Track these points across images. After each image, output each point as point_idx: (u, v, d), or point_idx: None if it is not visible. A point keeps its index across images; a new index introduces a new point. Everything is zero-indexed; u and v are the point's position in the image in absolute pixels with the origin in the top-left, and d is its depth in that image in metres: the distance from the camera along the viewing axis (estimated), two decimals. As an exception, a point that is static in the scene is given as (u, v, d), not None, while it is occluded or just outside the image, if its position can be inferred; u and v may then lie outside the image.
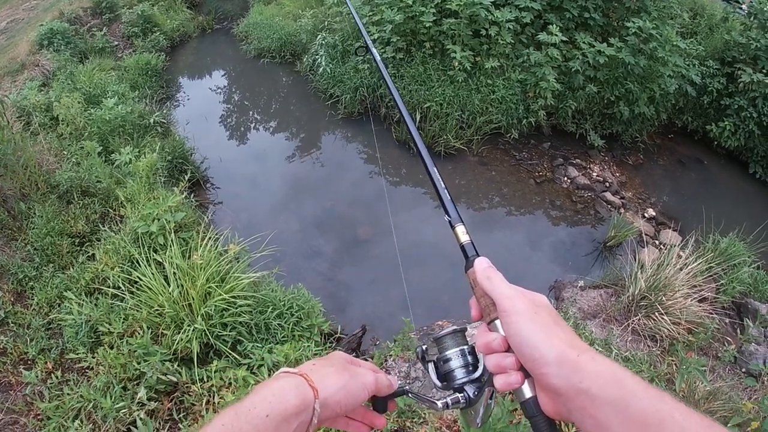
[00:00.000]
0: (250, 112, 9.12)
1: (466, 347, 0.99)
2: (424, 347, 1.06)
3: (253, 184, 7.26)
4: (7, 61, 8.90)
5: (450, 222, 1.09)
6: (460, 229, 1.06)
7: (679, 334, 4.51)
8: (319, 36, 8.83)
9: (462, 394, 0.94)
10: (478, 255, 1.00)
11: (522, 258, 6.34)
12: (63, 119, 6.58)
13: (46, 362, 4.21)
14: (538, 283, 5.68)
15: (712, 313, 4.88)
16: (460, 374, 0.96)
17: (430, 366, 1.01)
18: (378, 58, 1.88)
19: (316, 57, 8.72)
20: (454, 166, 7.52)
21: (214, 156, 7.38)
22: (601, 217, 6.85)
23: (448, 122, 7.52)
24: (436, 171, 1.19)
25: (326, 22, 9.01)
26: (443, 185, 1.15)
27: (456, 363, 0.97)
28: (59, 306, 4.58)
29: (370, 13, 7.98)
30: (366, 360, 1.40)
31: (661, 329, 4.54)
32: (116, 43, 10.32)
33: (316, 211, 6.75)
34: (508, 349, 0.85)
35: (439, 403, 0.93)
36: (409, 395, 1.03)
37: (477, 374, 0.95)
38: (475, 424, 0.95)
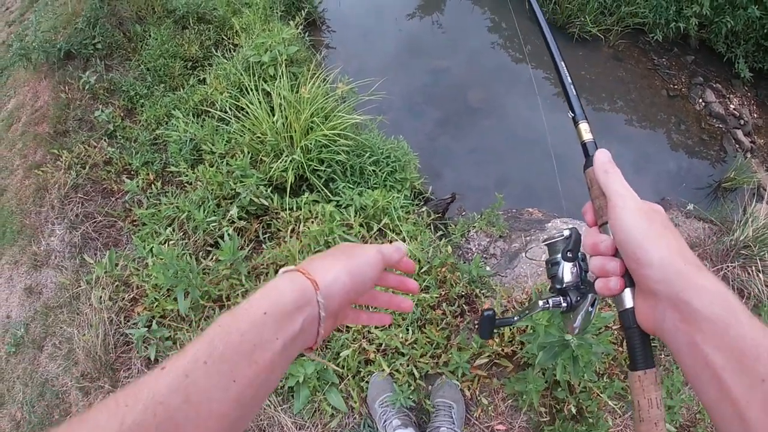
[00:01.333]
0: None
1: (579, 253, 0.94)
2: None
3: (368, 34, 6.92)
4: None
5: (574, 118, 1.02)
6: (584, 127, 0.99)
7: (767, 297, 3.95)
8: None
9: (564, 297, 0.92)
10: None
11: (634, 168, 5.76)
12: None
13: (147, 173, 4.28)
14: (646, 195, 5.10)
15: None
16: (565, 277, 0.93)
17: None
18: None
19: None
20: (585, 54, 6.79)
21: (332, -1, 7.05)
22: (725, 156, 6.05)
23: (589, 3, 6.70)
24: (564, 65, 1.09)
25: None
26: (569, 79, 1.07)
27: (562, 266, 0.94)
28: (166, 124, 4.59)
29: None
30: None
31: (752, 285, 4.00)
32: None
33: (429, 72, 6.37)
34: (615, 254, 0.81)
35: (540, 303, 0.93)
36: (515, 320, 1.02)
37: (582, 282, 0.92)
38: (573, 329, 0.93)
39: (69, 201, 4.30)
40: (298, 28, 4.97)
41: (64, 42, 5.12)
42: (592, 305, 0.90)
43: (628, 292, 0.79)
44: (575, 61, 6.66)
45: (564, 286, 0.92)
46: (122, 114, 4.81)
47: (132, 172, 4.41)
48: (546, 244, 0.98)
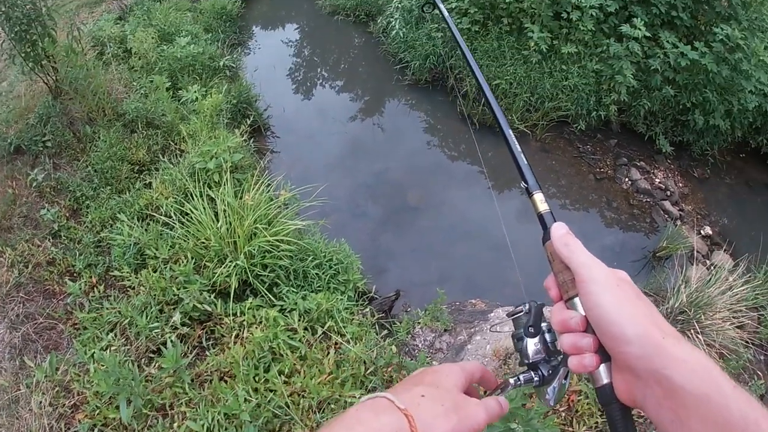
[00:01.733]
0: (318, 68, 9.12)
1: (543, 325, 0.93)
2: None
3: (311, 138, 7.29)
4: (87, -7, 9.13)
5: (527, 188, 1.01)
6: (539, 197, 0.98)
7: (711, 357, 4.30)
8: (396, -1, 8.73)
9: (536, 372, 0.90)
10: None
11: (568, 251, 6.15)
12: (136, 52, 6.73)
13: (90, 276, 4.37)
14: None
15: (748, 343, 4.65)
16: (531, 353, 0.91)
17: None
18: (446, 14, 1.76)
19: (391, 20, 8.61)
20: None
21: (277, 105, 7.44)
22: (656, 227, 6.57)
23: (515, 102, 7.34)
24: (512, 133, 1.12)
25: (405, -14, 8.88)
26: (519, 148, 1.07)
27: (526, 342, 0.93)
28: (111, 226, 4.72)
29: (450, -18, 7.80)
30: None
31: None
32: (195, -16, 10.45)
33: (370, 173, 6.74)
34: (587, 330, 0.78)
35: (511, 380, 0.90)
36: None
37: (550, 354, 0.91)
38: (547, 402, 0.90)
39: (10, 300, 4.33)
40: (243, 136, 5.28)
41: (15, 137, 5.26)
42: (566, 378, 0.88)
43: (603, 368, 0.77)
44: (506, 156, 7.14)
45: (531, 361, 0.90)
46: (68, 214, 4.92)
47: (75, 274, 4.48)
48: (511, 319, 0.96)
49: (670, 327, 0.71)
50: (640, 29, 6.85)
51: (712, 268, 5.85)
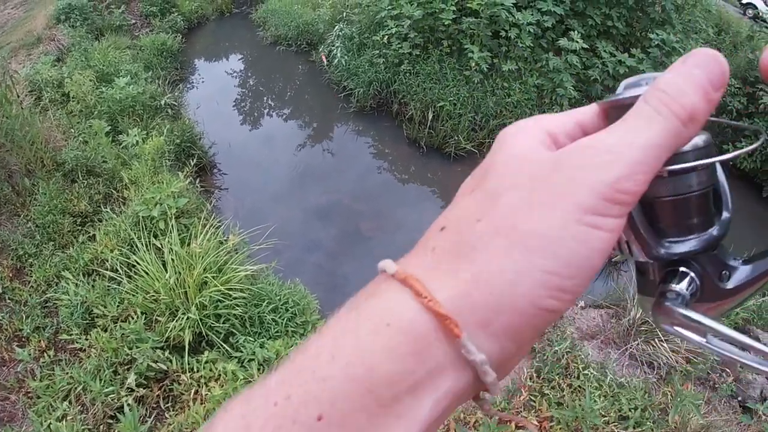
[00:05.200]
0: (264, 99, 9.10)
1: None
2: None
3: (259, 170, 7.25)
4: (24, 34, 8.91)
5: None
6: None
7: (677, 362, 4.43)
8: (337, 27, 8.78)
9: None
10: None
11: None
12: (74, 96, 6.58)
13: (39, 341, 4.23)
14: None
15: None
16: None
17: None
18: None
19: (332, 48, 8.66)
20: (463, 169, 7.44)
21: (223, 141, 7.36)
22: None
23: (460, 123, 7.44)
24: None
25: (345, 14, 8.95)
26: None
27: None
28: (56, 285, 4.58)
29: (389, 7, 7.88)
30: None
31: (659, 356, 4.45)
32: (133, 21, 10.31)
33: (320, 202, 6.73)
34: None
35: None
36: None
37: None
38: None
39: (-44, 373, 4.17)
40: (187, 178, 5.20)
41: (-52, 194, 5.08)
42: None
43: None
44: (455, 176, 7.25)
45: None
46: (11, 274, 4.75)
47: (23, 339, 4.32)
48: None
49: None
50: (577, 42, 7.05)
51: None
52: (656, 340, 4.51)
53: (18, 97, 5.83)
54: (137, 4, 10.77)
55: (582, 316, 5.11)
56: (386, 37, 7.75)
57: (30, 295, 4.53)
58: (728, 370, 4.64)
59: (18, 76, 6.30)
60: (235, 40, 11.06)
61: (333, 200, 6.80)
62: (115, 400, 3.67)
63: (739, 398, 4.41)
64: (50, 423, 3.56)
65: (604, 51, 7.34)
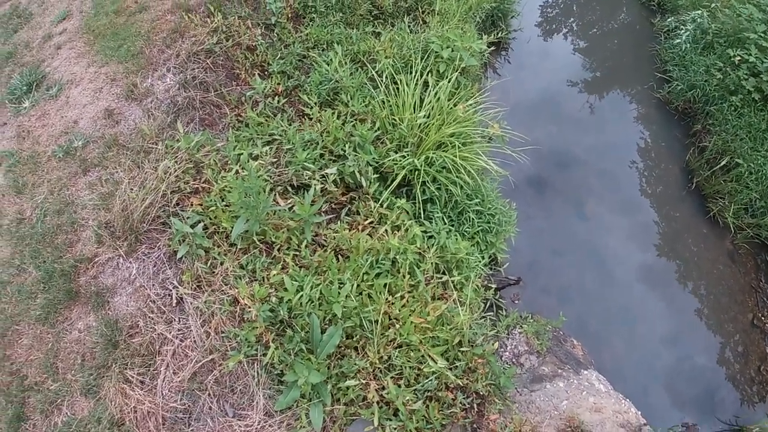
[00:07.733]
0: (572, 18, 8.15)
1: None
2: None
3: (539, 78, 6.44)
4: None
5: None
6: None
7: None
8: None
9: None
10: None
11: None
12: None
13: (278, 83, 4.13)
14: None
15: None
16: None
17: None
18: None
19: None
20: (707, 234, 5.99)
21: (524, 33, 6.65)
22: None
23: (742, 195, 5.96)
24: None
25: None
26: None
27: None
28: (323, 51, 4.42)
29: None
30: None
31: None
32: None
33: (581, 149, 5.90)
34: None
35: None
36: None
37: None
38: None
39: (195, 60, 4.14)
40: (487, 45, 4.71)
41: None
42: None
43: None
44: (699, 239, 6.11)
45: None
46: (290, 14, 4.60)
47: (266, 73, 4.23)
48: None
49: None
50: None
51: None
52: None
53: None
54: None
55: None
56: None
57: (296, 42, 4.37)
58: None
59: None
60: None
61: (598, 145, 5.97)
62: (307, 178, 3.47)
63: None
64: (241, 153, 3.46)
65: None
